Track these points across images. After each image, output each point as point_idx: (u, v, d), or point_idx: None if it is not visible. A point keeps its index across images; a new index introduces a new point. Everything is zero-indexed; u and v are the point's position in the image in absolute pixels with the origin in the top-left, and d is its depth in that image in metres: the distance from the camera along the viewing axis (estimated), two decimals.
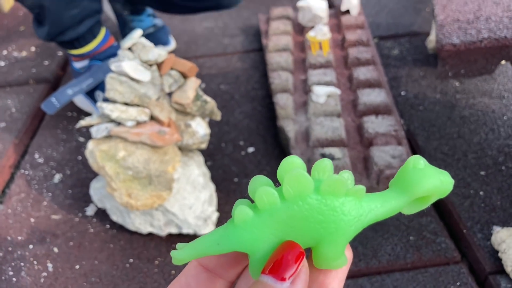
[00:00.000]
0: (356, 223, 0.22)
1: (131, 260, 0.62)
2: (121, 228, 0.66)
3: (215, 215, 0.63)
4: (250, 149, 0.79)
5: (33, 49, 1.17)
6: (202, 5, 0.89)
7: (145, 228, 0.62)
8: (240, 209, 0.22)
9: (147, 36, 1.05)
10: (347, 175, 0.22)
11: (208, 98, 0.64)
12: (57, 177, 0.77)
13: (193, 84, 0.62)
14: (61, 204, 0.72)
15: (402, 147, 0.69)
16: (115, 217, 0.64)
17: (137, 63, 0.57)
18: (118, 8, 1.03)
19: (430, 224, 0.64)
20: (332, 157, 0.67)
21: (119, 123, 0.57)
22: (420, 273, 0.58)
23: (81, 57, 0.84)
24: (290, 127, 0.75)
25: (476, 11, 0.78)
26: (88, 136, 0.86)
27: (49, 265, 0.62)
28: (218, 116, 0.65)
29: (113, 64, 0.56)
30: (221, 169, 0.76)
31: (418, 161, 0.23)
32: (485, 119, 0.80)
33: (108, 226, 0.67)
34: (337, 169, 0.66)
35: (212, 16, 1.24)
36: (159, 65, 0.59)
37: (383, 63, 0.97)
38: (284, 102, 0.80)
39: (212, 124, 0.85)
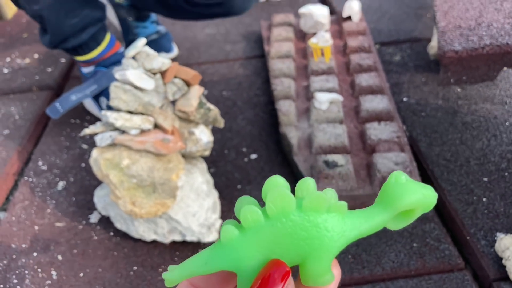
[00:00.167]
0: (340, 239, 0.23)
1: (135, 267, 0.62)
2: (125, 236, 0.66)
3: (218, 223, 0.63)
4: (253, 156, 0.80)
5: (36, 56, 1.17)
6: (210, 11, 0.89)
7: (149, 236, 0.62)
8: (226, 228, 0.22)
9: (150, 42, 1.05)
10: (331, 193, 0.23)
11: (212, 106, 0.64)
12: (61, 185, 0.77)
13: (196, 92, 0.62)
14: (64, 212, 0.72)
15: (405, 153, 0.69)
16: (119, 225, 0.64)
17: (141, 71, 0.57)
18: (123, 14, 1.04)
19: (434, 231, 0.64)
20: (335, 164, 0.67)
21: (123, 131, 0.57)
22: (424, 280, 0.58)
23: (87, 63, 0.85)
24: (293, 134, 0.76)
25: (477, 17, 0.78)
26: (92, 143, 0.86)
27: (53, 273, 0.62)
28: (221, 123, 0.66)
29: (117, 73, 0.57)
30: (224, 176, 0.76)
31: (400, 176, 0.24)
32: (487, 125, 0.81)
33: (112, 233, 0.67)
34: (340, 176, 0.66)
35: (214, 23, 1.25)
36: (163, 73, 0.59)
37: (385, 69, 0.98)
38: (286, 108, 0.80)
39: (215, 130, 0.85)
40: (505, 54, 0.70)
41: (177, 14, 0.93)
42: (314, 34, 1.02)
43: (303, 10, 1.01)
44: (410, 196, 0.23)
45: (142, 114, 0.58)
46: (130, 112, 0.57)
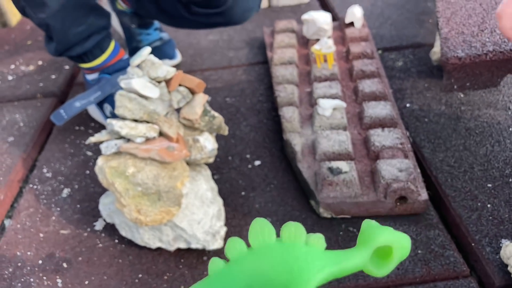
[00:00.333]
0: (319, 272, 0.24)
1: (140, 275, 0.62)
2: (129, 243, 0.66)
3: (223, 230, 0.63)
4: (257, 162, 0.80)
5: (40, 63, 1.18)
6: (212, 20, 0.90)
7: (154, 243, 0.62)
8: (213, 261, 0.24)
9: (153, 49, 1.06)
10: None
11: (216, 114, 0.64)
12: (66, 192, 0.78)
13: (201, 99, 0.62)
14: (69, 219, 0.72)
15: (409, 160, 0.69)
16: (124, 232, 0.64)
17: (146, 80, 0.57)
18: (126, 21, 1.04)
19: (438, 238, 0.64)
20: (339, 171, 0.67)
21: (128, 140, 0.58)
22: (429, 287, 0.58)
23: (91, 70, 0.86)
24: (297, 141, 0.76)
25: (480, 24, 0.79)
26: (96, 150, 0.86)
27: (59, 281, 0.63)
28: (225, 131, 0.66)
29: (122, 81, 0.57)
30: (228, 183, 0.76)
31: (371, 222, 0.26)
32: (491, 130, 0.81)
33: (116, 240, 0.67)
34: (344, 183, 0.66)
35: (217, 29, 1.25)
36: (168, 82, 0.60)
37: (388, 75, 0.98)
38: (290, 115, 0.81)
39: (219, 137, 0.86)
40: (509, 60, 0.71)
41: (179, 22, 0.94)
42: (317, 40, 1.03)
43: (305, 16, 1.02)
44: (382, 232, 0.25)
45: (147, 122, 0.58)
46: (135, 121, 0.58)
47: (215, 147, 0.65)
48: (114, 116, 0.84)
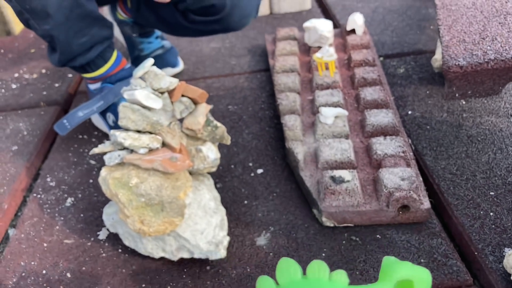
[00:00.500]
0: None
1: (144, 285, 0.62)
2: (133, 252, 0.67)
3: (226, 240, 0.63)
4: (259, 171, 0.80)
5: (43, 71, 1.19)
6: (210, 28, 0.91)
7: (157, 253, 0.62)
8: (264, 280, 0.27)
9: (155, 57, 1.07)
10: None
11: (218, 123, 0.65)
12: (69, 201, 0.78)
13: (203, 109, 0.63)
14: (73, 228, 0.72)
15: (411, 168, 0.70)
16: (127, 242, 0.64)
17: (149, 91, 0.58)
18: (127, 31, 1.05)
19: (441, 246, 0.64)
20: (342, 180, 0.67)
21: (131, 151, 0.58)
22: None
23: (94, 79, 0.86)
24: (299, 149, 0.76)
25: (481, 31, 0.79)
26: (99, 159, 0.87)
27: None
28: (228, 140, 0.66)
29: (125, 93, 0.57)
30: (231, 191, 0.76)
31: (390, 258, 0.29)
32: (493, 138, 0.81)
33: (120, 250, 0.68)
34: (347, 192, 0.66)
35: (219, 37, 1.26)
36: (170, 92, 0.60)
37: (389, 82, 0.98)
38: (292, 123, 0.81)
39: (221, 145, 0.86)
40: (510, 68, 0.71)
41: (178, 31, 0.95)
42: (319, 48, 1.03)
43: (307, 24, 1.02)
44: (402, 267, 0.27)
45: (150, 133, 0.59)
46: (139, 131, 0.58)
47: (217, 157, 0.65)
48: (117, 124, 0.85)
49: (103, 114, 0.88)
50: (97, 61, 0.82)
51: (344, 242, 0.66)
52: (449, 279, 0.60)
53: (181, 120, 0.65)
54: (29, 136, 0.95)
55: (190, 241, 0.59)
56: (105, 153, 0.75)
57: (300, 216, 0.70)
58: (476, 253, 0.62)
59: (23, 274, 0.66)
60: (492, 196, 0.70)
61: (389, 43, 1.13)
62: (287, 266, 0.26)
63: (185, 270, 0.63)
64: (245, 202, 0.74)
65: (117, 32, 1.09)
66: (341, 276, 0.26)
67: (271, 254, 0.65)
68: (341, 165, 0.72)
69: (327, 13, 1.35)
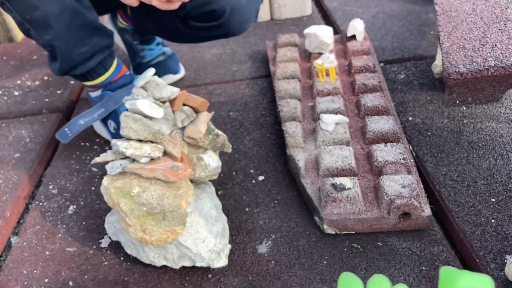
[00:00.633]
0: None
1: None
2: (135, 261, 0.67)
3: (228, 248, 0.63)
4: (260, 178, 0.80)
5: (45, 78, 1.19)
6: (210, 34, 0.91)
7: (159, 261, 0.63)
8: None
9: (157, 64, 1.07)
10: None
11: (219, 132, 0.65)
12: (71, 209, 0.78)
13: (204, 118, 0.63)
14: (75, 236, 0.73)
15: (412, 175, 0.70)
16: (129, 250, 0.65)
17: (151, 100, 0.58)
18: (128, 38, 1.06)
19: (442, 254, 0.64)
20: (343, 187, 0.67)
21: (133, 160, 0.58)
22: None
23: (94, 87, 0.87)
24: (300, 156, 0.76)
25: (481, 38, 0.79)
26: (101, 166, 0.87)
27: None
28: (229, 148, 0.67)
29: (127, 102, 0.58)
30: (232, 199, 0.76)
31: (448, 268, 0.29)
32: (493, 144, 0.81)
33: (122, 258, 0.68)
34: (348, 199, 0.66)
35: (220, 43, 1.26)
36: (172, 101, 0.61)
37: (390, 87, 0.99)
38: (293, 130, 0.81)
39: (222, 152, 0.86)
40: (510, 75, 0.71)
41: (178, 37, 0.95)
42: (319, 54, 1.04)
43: (308, 30, 1.02)
44: (463, 276, 0.27)
45: (152, 142, 0.59)
46: (140, 141, 0.58)
47: (219, 165, 0.65)
48: (118, 131, 0.85)
49: (104, 121, 0.88)
50: (97, 69, 0.83)
51: (345, 249, 0.66)
52: None
53: (182, 128, 0.65)
54: (31, 143, 0.95)
55: (191, 250, 0.60)
56: (107, 162, 0.76)
57: (301, 223, 0.71)
58: (477, 260, 0.62)
59: (26, 282, 0.66)
60: (493, 203, 0.70)
61: (389, 49, 1.13)
62: (349, 282, 0.26)
63: (187, 278, 0.64)
64: (247, 209, 0.74)
65: (118, 40, 1.09)
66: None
67: (272, 262, 0.65)
68: (342, 172, 0.72)
69: (327, 19, 1.36)
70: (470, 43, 0.78)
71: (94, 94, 0.89)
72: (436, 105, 0.92)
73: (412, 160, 0.74)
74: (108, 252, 0.69)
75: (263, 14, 1.36)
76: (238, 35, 0.95)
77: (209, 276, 0.64)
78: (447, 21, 0.87)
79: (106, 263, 0.68)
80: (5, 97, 1.13)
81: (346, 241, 0.67)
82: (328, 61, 0.91)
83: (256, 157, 0.85)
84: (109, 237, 0.71)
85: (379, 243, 0.66)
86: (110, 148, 0.91)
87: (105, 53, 0.81)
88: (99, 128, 0.92)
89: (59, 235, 0.74)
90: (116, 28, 1.05)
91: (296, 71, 0.98)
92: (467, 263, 0.64)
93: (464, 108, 0.90)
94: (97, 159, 0.59)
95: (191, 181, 0.66)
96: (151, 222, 0.57)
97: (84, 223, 0.75)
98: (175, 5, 0.72)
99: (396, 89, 0.98)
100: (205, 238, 0.61)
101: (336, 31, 1.26)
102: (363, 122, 0.82)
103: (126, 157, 0.59)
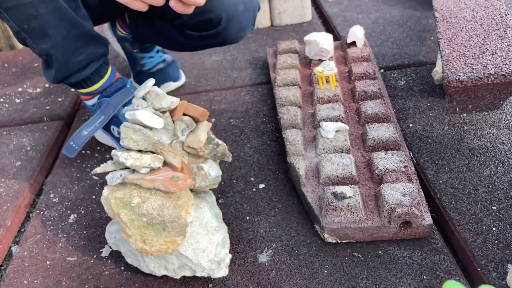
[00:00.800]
0: None
1: None
2: (135, 270, 0.67)
3: (228, 258, 0.63)
4: (261, 186, 0.80)
5: (47, 85, 1.20)
6: (207, 42, 0.91)
7: (159, 271, 0.63)
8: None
9: (157, 72, 1.07)
10: None
11: (220, 141, 0.65)
12: (72, 217, 0.78)
13: (204, 128, 0.63)
14: (76, 246, 0.73)
15: (412, 183, 0.70)
16: (129, 260, 0.65)
17: (151, 111, 0.58)
18: (127, 47, 1.06)
19: (444, 263, 0.64)
20: (343, 196, 0.67)
21: (133, 170, 0.58)
22: None
23: (89, 95, 0.87)
24: (300, 164, 0.76)
25: (481, 45, 0.79)
26: (102, 175, 0.87)
27: None
28: (229, 158, 0.67)
29: (127, 113, 0.58)
30: (232, 207, 0.76)
31: (452, 282, 0.30)
32: (494, 151, 0.81)
33: (122, 267, 0.68)
34: (348, 208, 0.66)
35: (220, 49, 1.27)
36: (172, 111, 0.61)
37: (390, 94, 0.99)
38: (293, 138, 0.81)
39: (223, 160, 0.86)
40: (510, 83, 0.71)
41: (176, 46, 0.95)
42: (319, 61, 1.04)
43: (308, 37, 1.03)
44: None
45: (152, 152, 0.59)
46: (140, 151, 0.59)
47: (219, 174, 0.65)
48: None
49: (106, 128, 0.88)
50: (92, 77, 0.83)
51: (346, 258, 0.65)
52: None
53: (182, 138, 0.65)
54: (32, 151, 0.95)
55: (192, 260, 0.60)
56: (107, 173, 0.76)
57: (302, 232, 0.70)
58: (479, 269, 0.62)
59: None
60: (494, 211, 0.69)
61: (389, 55, 1.13)
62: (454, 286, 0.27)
63: None
64: (247, 218, 0.74)
65: (118, 48, 1.10)
66: None
67: (273, 271, 0.65)
68: (342, 181, 0.72)
69: (327, 25, 1.36)
70: (470, 50, 0.78)
71: (90, 102, 0.89)
72: (436, 112, 0.92)
73: (413, 168, 0.74)
74: (109, 261, 0.69)
75: (263, 20, 1.36)
76: (236, 43, 0.95)
77: (210, 286, 0.63)
78: (447, 27, 0.87)
79: (106, 272, 0.68)
80: (6, 105, 1.13)
81: (347, 249, 0.67)
82: (328, 68, 0.91)
83: (257, 165, 0.85)
84: (110, 247, 0.71)
85: (380, 252, 0.66)
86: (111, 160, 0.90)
87: (100, 61, 0.82)
88: (101, 136, 0.92)
89: (60, 244, 0.74)
90: (115, 37, 1.06)
91: (297, 78, 0.98)
92: (469, 272, 0.64)
93: (465, 115, 0.90)
94: (97, 170, 0.59)
95: (191, 190, 0.66)
96: (151, 233, 0.57)
97: (85, 232, 0.75)
98: (190, 9, 0.70)
99: (397, 96, 0.98)
100: (205, 248, 0.60)
101: (336, 37, 1.26)
102: (364, 129, 0.82)
103: (126, 168, 0.59)
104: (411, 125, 0.89)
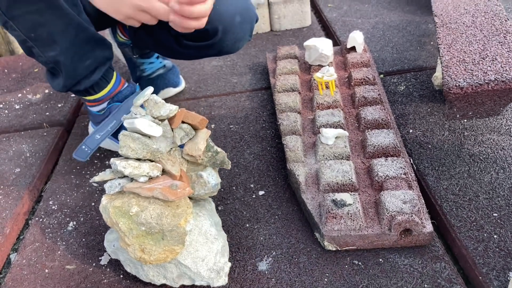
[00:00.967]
0: None
1: None
2: (134, 279, 0.67)
3: (227, 266, 0.63)
4: (261, 192, 0.80)
5: (46, 91, 1.20)
6: (203, 53, 0.90)
7: (158, 280, 0.62)
8: None
9: (157, 77, 1.07)
10: None
11: (219, 149, 0.65)
12: (71, 225, 0.78)
13: (203, 135, 0.63)
14: (75, 254, 0.72)
15: (413, 191, 0.69)
16: (128, 269, 0.64)
17: (149, 119, 0.58)
18: (127, 52, 1.06)
19: (444, 271, 0.63)
20: (343, 204, 0.67)
21: (132, 179, 0.58)
22: None
23: (96, 101, 0.87)
24: (300, 171, 0.76)
25: (481, 51, 0.79)
26: (101, 182, 0.87)
27: None
28: (228, 165, 0.66)
29: (126, 121, 0.58)
30: (232, 214, 0.76)
31: None
32: (495, 157, 0.80)
33: (121, 276, 0.67)
34: (348, 216, 0.66)
35: None
36: (171, 119, 0.61)
37: (390, 99, 0.98)
38: (293, 144, 0.81)
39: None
40: (511, 90, 0.71)
41: (174, 54, 0.95)
42: (319, 66, 1.04)
43: (308, 43, 1.03)
44: None
45: (151, 160, 0.59)
46: (139, 159, 0.58)
47: (218, 182, 0.65)
48: None
49: (114, 134, 0.88)
50: (100, 82, 0.83)
51: (346, 266, 0.65)
52: None
53: (182, 146, 0.65)
54: (31, 158, 0.95)
55: (191, 269, 0.59)
56: (105, 181, 0.76)
57: (302, 239, 0.70)
58: (480, 277, 0.61)
59: None
60: (495, 218, 0.69)
61: (389, 60, 1.13)
62: None
63: None
64: (247, 225, 0.74)
65: (118, 53, 1.10)
66: None
67: (273, 279, 0.64)
68: (342, 187, 0.72)
69: (327, 30, 1.36)
70: (470, 56, 0.78)
71: (97, 108, 0.88)
72: (436, 117, 0.91)
73: (413, 175, 0.73)
74: (108, 269, 0.69)
75: (263, 25, 1.36)
76: (233, 53, 0.94)
77: None
78: (446, 33, 0.87)
79: (105, 281, 0.67)
80: (6, 111, 1.13)
81: (347, 257, 0.66)
82: (327, 74, 0.90)
83: (257, 171, 0.85)
84: (109, 255, 0.70)
85: (380, 260, 0.65)
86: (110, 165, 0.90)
87: (106, 66, 0.82)
88: (107, 143, 0.92)
89: (59, 252, 0.73)
90: (116, 42, 1.06)
91: (296, 84, 0.98)
92: (470, 280, 0.63)
93: (465, 120, 0.90)
94: (96, 178, 0.59)
95: (190, 198, 0.65)
96: (150, 242, 0.57)
97: (84, 239, 0.75)
98: (189, 30, 0.71)
99: (396, 101, 0.98)
100: (204, 257, 0.60)
101: (335, 42, 1.26)
102: (363, 135, 0.82)
103: (125, 176, 0.59)
104: (411, 131, 0.89)
